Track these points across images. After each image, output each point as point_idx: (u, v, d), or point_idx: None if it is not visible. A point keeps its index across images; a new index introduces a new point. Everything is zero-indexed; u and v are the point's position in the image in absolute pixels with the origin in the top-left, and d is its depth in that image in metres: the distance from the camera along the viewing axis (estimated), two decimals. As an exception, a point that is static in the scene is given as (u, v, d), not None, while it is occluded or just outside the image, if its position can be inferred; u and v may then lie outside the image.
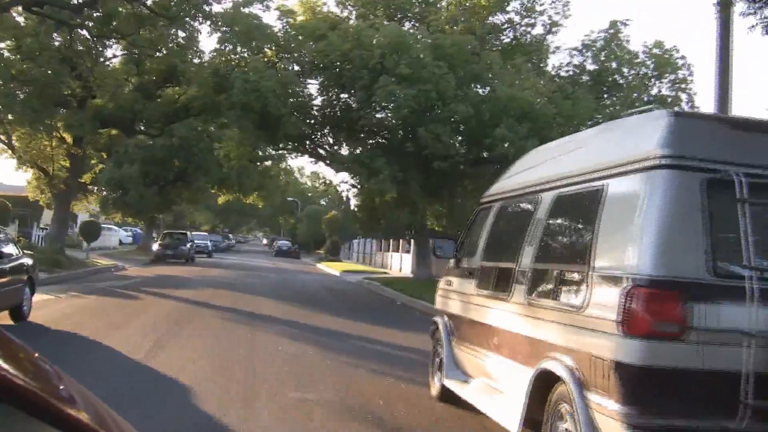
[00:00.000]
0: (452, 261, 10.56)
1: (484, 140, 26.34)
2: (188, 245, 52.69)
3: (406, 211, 30.83)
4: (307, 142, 34.49)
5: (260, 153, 38.76)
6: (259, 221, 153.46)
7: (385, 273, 50.10)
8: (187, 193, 62.38)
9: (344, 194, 70.16)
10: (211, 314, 19.59)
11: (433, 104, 26.34)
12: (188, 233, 56.11)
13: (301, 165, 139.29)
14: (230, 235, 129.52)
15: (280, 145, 35.97)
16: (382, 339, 16.72)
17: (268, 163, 64.76)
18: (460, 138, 27.69)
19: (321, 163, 36.80)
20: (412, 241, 52.81)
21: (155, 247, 53.06)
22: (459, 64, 26.80)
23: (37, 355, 1.75)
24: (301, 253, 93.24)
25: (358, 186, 35.58)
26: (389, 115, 28.80)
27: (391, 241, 60.53)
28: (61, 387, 1.67)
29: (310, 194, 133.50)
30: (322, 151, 35.44)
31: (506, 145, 25.47)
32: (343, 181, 37.37)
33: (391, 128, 30.06)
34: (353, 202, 72.30)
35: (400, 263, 55.01)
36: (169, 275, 35.49)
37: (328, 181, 52.85)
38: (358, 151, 31.26)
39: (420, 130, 26.10)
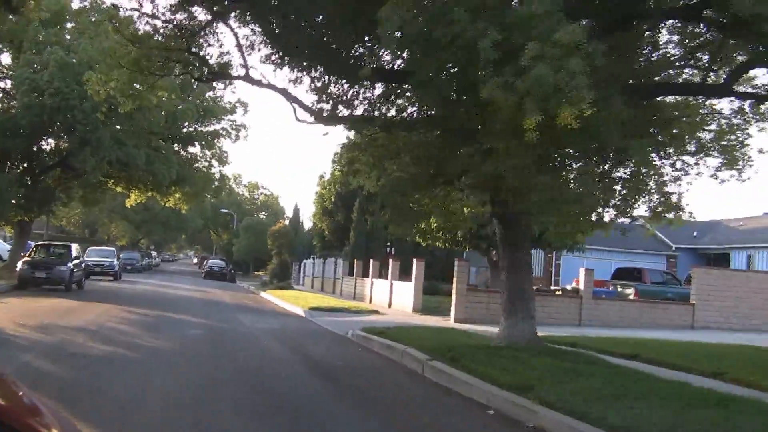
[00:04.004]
0: None
1: None
2: (70, 264, 33.98)
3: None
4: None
5: (165, 69, 19.63)
6: (189, 237, 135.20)
7: (377, 312, 32.21)
8: (80, 190, 43.51)
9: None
10: None
11: None
12: (73, 246, 37.14)
13: (238, 173, 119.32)
14: (153, 252, 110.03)
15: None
16: None
17: (196, 150, 46.24)
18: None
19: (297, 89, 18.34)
20: (415, 261, 34.98)
21: (20, 265, 34.28)
22: None
23: None
24: (237, 276, 75.21)
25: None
26: None
27: (371, 262, 42.32)
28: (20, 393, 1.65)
29: (247, 206, 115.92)
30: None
31: None
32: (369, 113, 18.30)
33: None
34: (313, 195, 54.20)
35: (390, 296, 37.01)
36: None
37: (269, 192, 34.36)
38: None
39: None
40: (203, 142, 45.58)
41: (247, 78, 18.40)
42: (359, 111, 17.68)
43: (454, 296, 28.75)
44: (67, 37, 36.67)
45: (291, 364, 15.11)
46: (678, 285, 37.57)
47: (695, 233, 45.39)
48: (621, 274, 39.28)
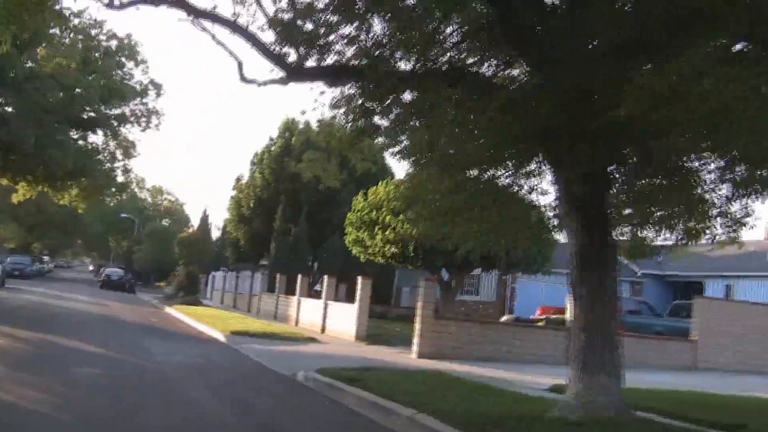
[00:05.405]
0: None
1: None
2: None
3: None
4: None
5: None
6: (86, 243, 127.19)
7: (313, 339, 26.74)
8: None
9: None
10: None
11: None
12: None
13: (141, 177, 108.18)
14: (45, 258, 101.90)
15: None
16: None
17: (98, 138, 39.78)
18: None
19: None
20: (360, 279, 29.31)
21: None
22: None
23: None
24: (137, 286, 69.00)
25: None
26: None
27: (299, 278, 36.57)
28: None
29: (150, 212, 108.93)
30: None
31: None
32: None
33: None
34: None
35: (324, 319, 31.33)
36: None
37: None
38: None
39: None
40: (107, 131, 39.05)
41: (181, 3, 12.49)
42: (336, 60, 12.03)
43: (418, 324, 23.05)
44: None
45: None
46: (657, 316, 32.70)
47: (660, 258, 40.59)
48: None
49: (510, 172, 11.46)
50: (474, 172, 11.79)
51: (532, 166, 11.81)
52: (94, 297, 45.81)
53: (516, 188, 12.01)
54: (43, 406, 10.25)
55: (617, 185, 10.82)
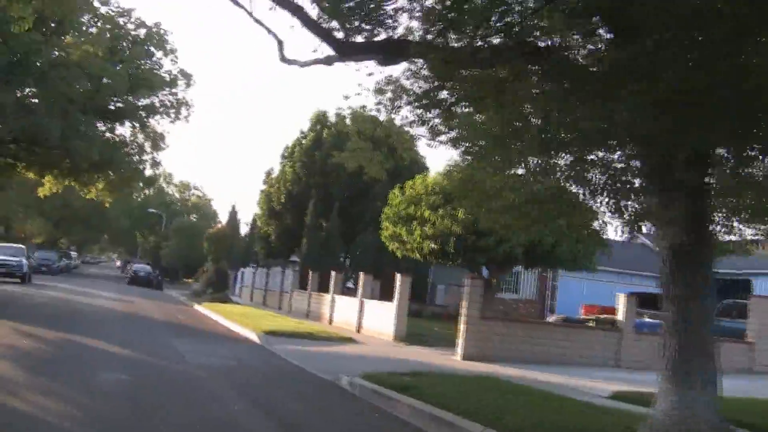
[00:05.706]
0: None
1: None
2: None
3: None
4: None
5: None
6: (112, 237, 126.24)
7: (350, 339, 25.51)
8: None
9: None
10: None
11: None
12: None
13: (168, 172, 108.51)
14: (73, 253, 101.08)
15: None
16: None
17: (125, 130, 38.67)
18: None
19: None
20: (399, 277, 28.02)
21: None
22: None
23: None
24: (164, 283, 68.04)
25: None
26: None
27: (333, 274, 35.35)
28: None
29: (177, 207, 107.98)
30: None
31: None
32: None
33: None
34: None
35: (359, 318, 30.18)
36: None
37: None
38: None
39: None
40: (134, 123, 37.96)
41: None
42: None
43: (462, 324, 21.81)
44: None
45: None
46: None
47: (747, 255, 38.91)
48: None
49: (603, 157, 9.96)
50: (561, 160, 10.33)
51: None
52: (121, 294, 44.79)
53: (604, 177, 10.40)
54: (58, 417, 9.01)
55: (719, 170, 9.41)
